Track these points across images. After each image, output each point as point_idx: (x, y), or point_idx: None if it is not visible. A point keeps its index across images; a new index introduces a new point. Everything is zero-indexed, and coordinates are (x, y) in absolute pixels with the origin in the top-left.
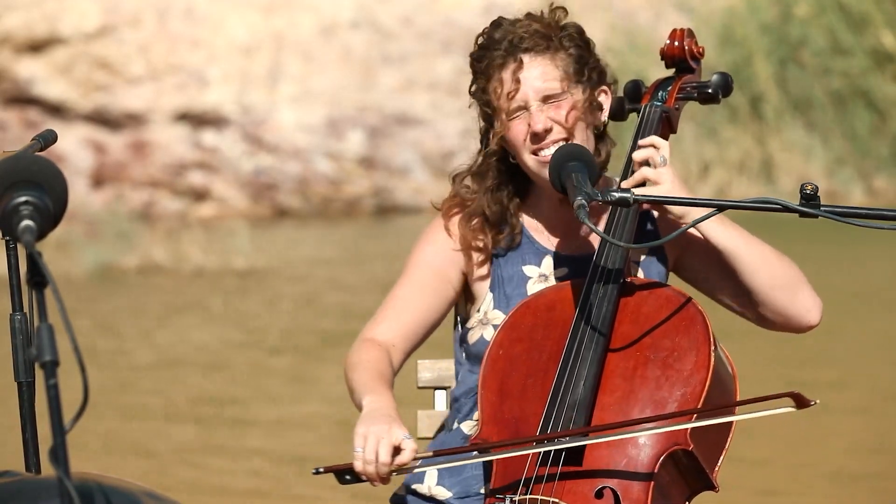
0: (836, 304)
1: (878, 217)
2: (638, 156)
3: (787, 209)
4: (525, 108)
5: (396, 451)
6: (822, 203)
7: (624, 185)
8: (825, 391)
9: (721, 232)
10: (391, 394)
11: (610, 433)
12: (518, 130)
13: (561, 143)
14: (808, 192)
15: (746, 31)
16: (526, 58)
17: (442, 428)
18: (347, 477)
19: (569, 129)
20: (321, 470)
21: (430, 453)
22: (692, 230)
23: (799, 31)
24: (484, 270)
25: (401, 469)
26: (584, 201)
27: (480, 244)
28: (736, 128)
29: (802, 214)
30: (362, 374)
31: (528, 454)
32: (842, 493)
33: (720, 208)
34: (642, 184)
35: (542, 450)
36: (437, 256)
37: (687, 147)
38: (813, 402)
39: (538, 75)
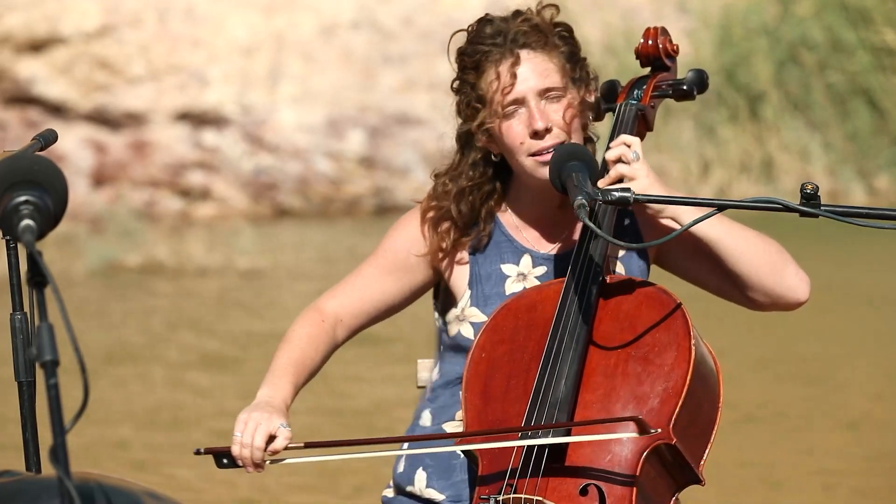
0: (837, 303)
1: (879, 217)
2: (610, 154)
3: (787, 209)
4: (521, 103)
5: (272, 439)
6: (822, 203)
7: (600, 184)
8: (824, 390)
9: (702, 222)
10: (291, 388)
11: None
12: (515, 131)
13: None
14: (808, 191)
15: (746, 30)
16: (523, 53)
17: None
18: (225, 461)
19: (567, 130)
20: (202, 451)
21: (302, 444)
22: (672, 222)
23: (799, 29)
24: (460, 269)
25: (274, 459)
26: (584, 201)
27: (444, 245)
28: (736, 127)
29: (803, 214)
30: (283, 355)
31: (512, 453)
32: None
33: (720, 208)
34: (619, 181)
35: (527, 442)
36: (405, 248)
37: (687, 147)
38: (654, 431)
39: (537, 71)
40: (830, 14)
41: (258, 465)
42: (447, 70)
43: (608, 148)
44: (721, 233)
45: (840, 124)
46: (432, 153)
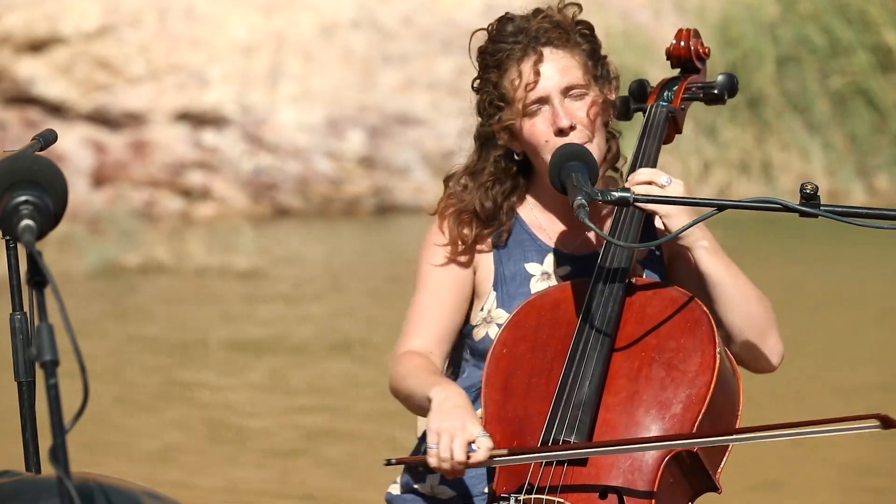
0: (835, 303)
1: (879, 217)
2: (640, 189)
3: (787, 209)
4: (545, 101)
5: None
6: (822, 203)
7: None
8: (823, 391)
9: (710, 260)
10: (457, 385)
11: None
12: (539, 129)
13: (584, 144)
14: (808, 191)
15: (746, 30)
16: (546, 51)
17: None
18: (420, 469)
19: (591, 129)
20: (393, 461)
21: (505, 451)
22: (684, 243)
23: (798, 29)
24: (485, 268)
25: (478, 464)
26: (583, 201)
27: (465, 236)
28: (736, 128)
29: (802, 214)
30: (417, 376)
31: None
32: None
33: (720, 208)
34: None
35: (548, 456)
36: (445, 258)
37: (687, 147)
38: None
39: (560, 68)
40: (830, 14)
41: (459, 474)
42: (447, 70)
43: (640, 148)
44: (725, 278)
45: (840, 124)
46: (432, 153)
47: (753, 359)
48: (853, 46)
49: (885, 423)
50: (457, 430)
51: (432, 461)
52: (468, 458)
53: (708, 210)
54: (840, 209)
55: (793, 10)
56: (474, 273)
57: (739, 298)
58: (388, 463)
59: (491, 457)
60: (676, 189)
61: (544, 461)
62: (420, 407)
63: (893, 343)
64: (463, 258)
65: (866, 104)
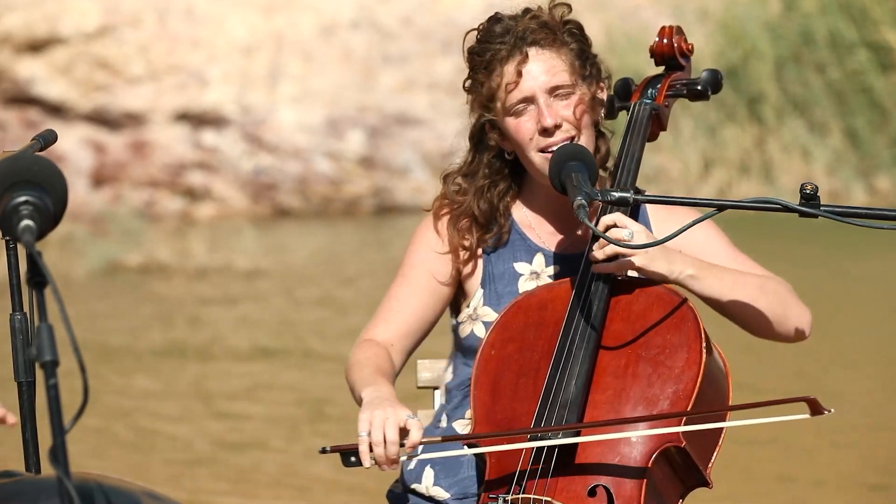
0: (835, 304)
1: (879, 217)
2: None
3: (787, 209)
4: (530, 101)
5: (403, 432)
6: (821, 203)
7: (595, 253)
8: (821, 392)
9: (700, 285)
10: (391, 386)
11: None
12: (525, 128)
13: (568, 141)
14: (807, 191)
15: (746, 29)
16: (532, 51)
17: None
18: (353, 459)
19: (577, 126)
20: (328, 449)
21: (439, 438)
22: (672, 279)
23: (799, 28)
24: (474, 267)
25: (410, 454)
26: (584, 201)
27: (467, 244)
28: (736, 127)
29: (802, 214)
30: (362, 370)
31: (522, 452)
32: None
33: (720, 208)
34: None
35: (538, 444)
36: (430, 256)
37: (687, 146)
38: (828, 411)
39: (545, 69)
40: (831, 13)
41: (393, 461)
42: (447, 70)
43: (625, 146)
44: (723, 296)
45: (840, 124)
46: (432, 153)
47: (779, 338)
48: (854, 45)
49: (813, 409)
50: (388, 414)
51: (363, 448)
52: (401, 440)
53: (708, 210)
54: (840, 209)
55: (794, 9)
56: (459, 276)
57: (742, 305)
58: (324, 451)
59: (422, 442)
60: (640, 238)
61: (531, 463)
62: (357, 401)
63: (894, 344)
64: (457, 265)
65: (867, 103)
